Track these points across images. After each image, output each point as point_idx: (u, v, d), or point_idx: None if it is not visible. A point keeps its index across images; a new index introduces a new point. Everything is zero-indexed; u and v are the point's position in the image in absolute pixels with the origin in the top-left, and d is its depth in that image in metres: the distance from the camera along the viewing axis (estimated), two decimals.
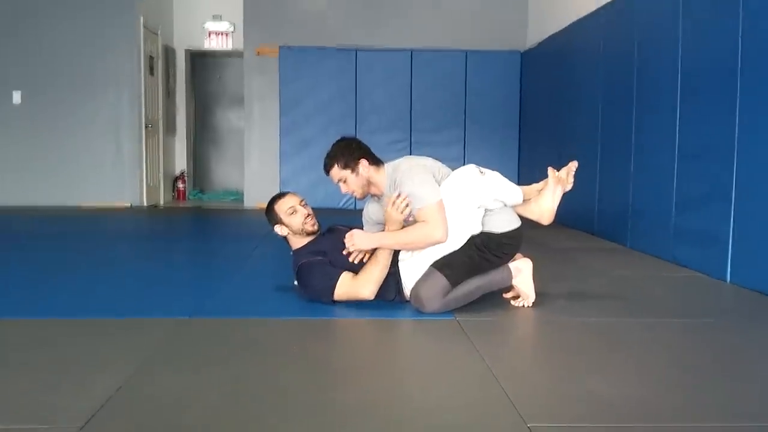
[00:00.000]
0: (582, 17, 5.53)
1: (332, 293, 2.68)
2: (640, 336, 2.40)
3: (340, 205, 7.39)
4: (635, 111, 4.47)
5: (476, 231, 2.63)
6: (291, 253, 2.86)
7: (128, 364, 1.96)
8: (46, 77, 7.21)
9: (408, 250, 2.67)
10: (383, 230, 2.70)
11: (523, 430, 1.54)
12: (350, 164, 2.74)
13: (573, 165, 2.79)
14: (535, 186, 2.83)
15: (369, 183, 2.77)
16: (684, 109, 3.80)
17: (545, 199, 2.74)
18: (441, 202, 2.58)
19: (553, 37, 6.39)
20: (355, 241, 2.64)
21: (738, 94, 3.24)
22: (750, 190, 3.18)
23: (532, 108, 7.23)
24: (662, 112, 4.02)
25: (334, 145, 2.82)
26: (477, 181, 2.60)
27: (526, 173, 7.29)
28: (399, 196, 2.62)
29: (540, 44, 6.84)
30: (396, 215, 2.62)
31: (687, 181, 3.77)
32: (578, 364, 2.05)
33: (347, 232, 2.75)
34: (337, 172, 2.76)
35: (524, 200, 2.76)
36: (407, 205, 2.60)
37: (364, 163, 2.75)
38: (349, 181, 2.76)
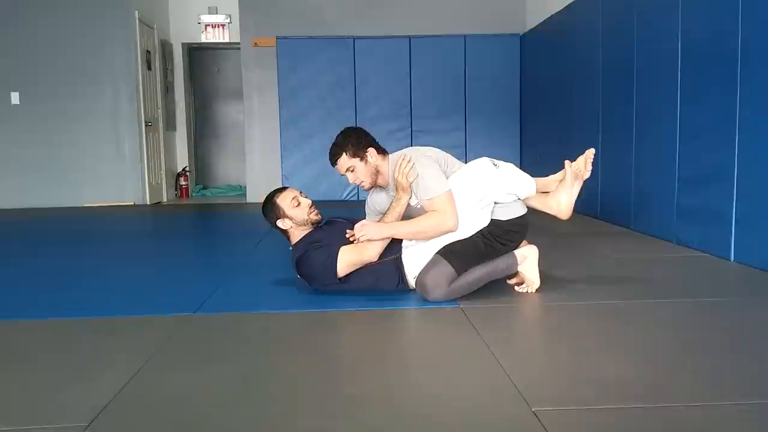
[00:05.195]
0: None
1: (335, 265, 2.63)
2: (646, 317, 2.39)
3: (343, 197, 7.38)
4: (636, 92, 4.43)
5: (486, 223, 2.62)
6: (290, 247, 2.85)
7: (133, 361, 1.96)
8: (44, 77, 7.20)
9: (419, 239, 2.65)
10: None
11: (528, 414, 1.53)
12: (359, 153, 2.70)
13: (590, 153, 2.75)
14: (553, 177, 2.79)
15: (377, 172, 2.74)
16: (685, 89, 3.77)
17: (563, 195, 2.71)
18: (450, 192, 2.56)
19: (552, 19, 6.33)
20: (366, 232, 2.59)
21: (738, 72, 3.20)
22: (752, 169, 3.15)
23: (532, 91, 7.18)
24: (663, 92, 3.98)
25: (340, 134, 2.77)
26: (491, 174, 2.58)
27: (528, 157, 7.26)
28: (404, 160, 2.59)
29: (539, 26, 6.78)
30: (402, 180, 2.60)
31: (689, 161, 3.75)
32: (583, 347, 2.05)
33: (345, 224, 2.73)
34: (345, 161, 2.71)
35: (543, 192, 2.73)
36: (412, 167, 2.58)
37: (372, 152, 2.72)
38: (358, 169, 2.72)
